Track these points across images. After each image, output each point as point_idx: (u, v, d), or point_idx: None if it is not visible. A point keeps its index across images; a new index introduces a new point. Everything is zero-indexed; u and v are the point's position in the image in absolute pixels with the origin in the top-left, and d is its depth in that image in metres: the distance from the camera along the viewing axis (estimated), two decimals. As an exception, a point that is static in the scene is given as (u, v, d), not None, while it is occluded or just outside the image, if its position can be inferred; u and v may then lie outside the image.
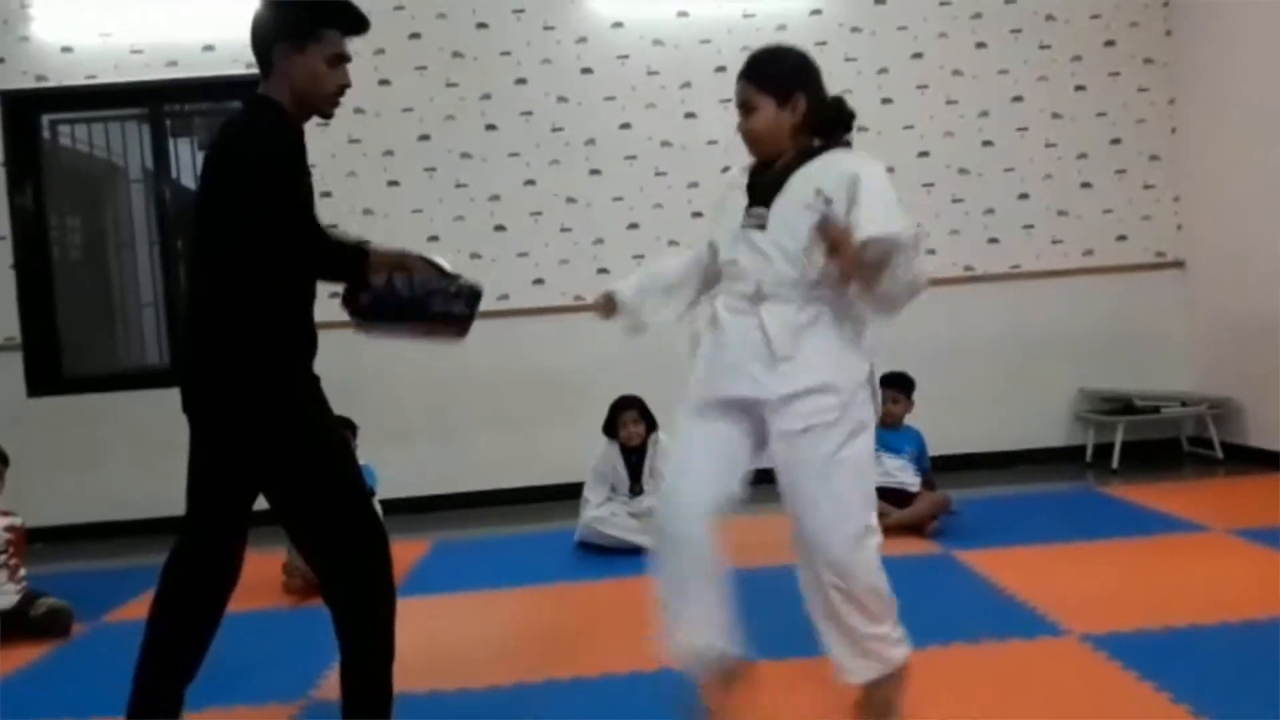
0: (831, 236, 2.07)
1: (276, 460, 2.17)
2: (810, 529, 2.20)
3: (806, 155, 2.27)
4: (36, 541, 3.74)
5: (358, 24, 2.25)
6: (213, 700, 2.69)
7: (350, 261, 2.30)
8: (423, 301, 2.26)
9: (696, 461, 2.29)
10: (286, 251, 2.14)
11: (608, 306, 2.55)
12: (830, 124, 2.31)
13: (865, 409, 2.25)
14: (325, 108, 2.24)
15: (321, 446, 2.22)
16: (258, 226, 2.09)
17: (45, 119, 5.57)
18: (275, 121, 2.17)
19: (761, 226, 2.25)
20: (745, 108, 2.27)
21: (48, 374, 5.45)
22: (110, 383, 5.31)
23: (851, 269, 2.07)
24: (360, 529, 2.22)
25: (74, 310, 5.63)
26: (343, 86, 2.23)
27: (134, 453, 5.16)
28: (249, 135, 2.16)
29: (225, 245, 2.13)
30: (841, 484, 2.19)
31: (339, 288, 2.31)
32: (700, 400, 2.32)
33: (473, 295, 2.29)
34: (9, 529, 3.51)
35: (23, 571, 3.53)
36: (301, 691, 2.66)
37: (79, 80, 5.39)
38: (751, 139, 2.30)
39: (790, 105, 2.24)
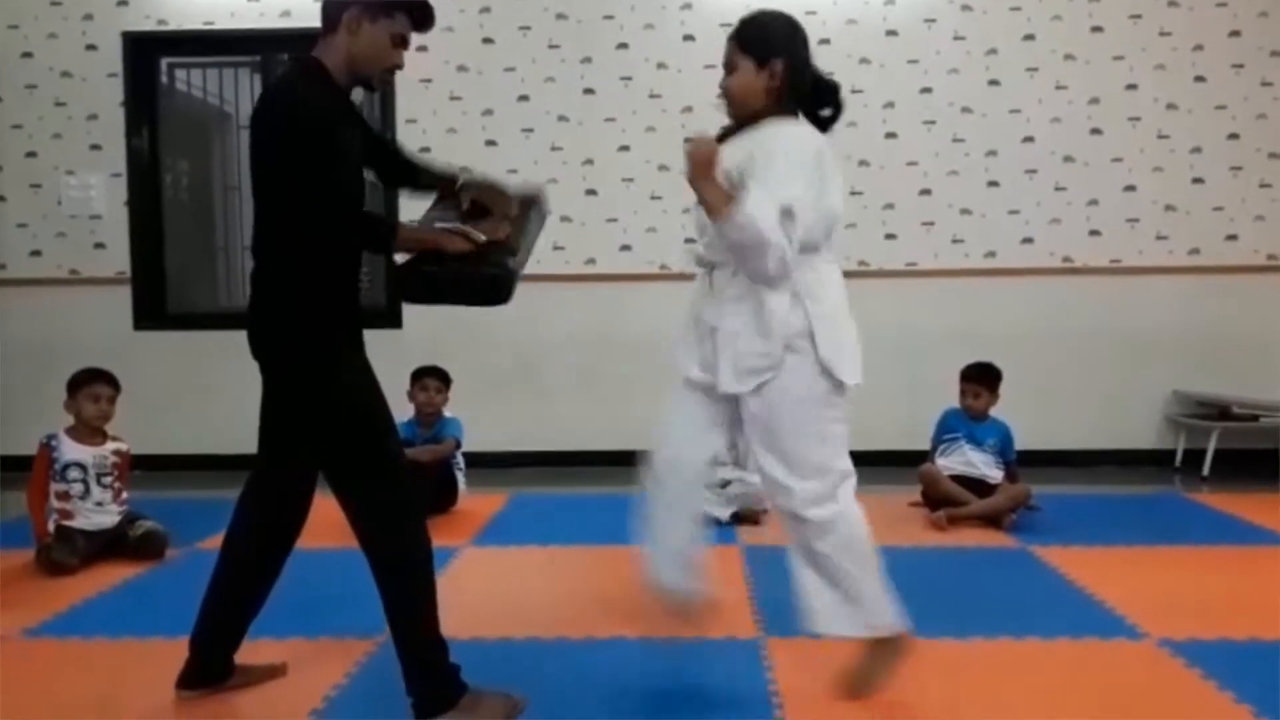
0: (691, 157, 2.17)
1: (310, 411, 2.24)
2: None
3: (743, 128, 2.35)
4: (137, 468, 3.92)
5: (425, 21, 2.33)
6: (297, 630, 2.83)
7: (429, 181, 2.43)
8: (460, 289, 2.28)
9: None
10: (327, 195, 2.18)
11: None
12: (810, 95, 2.36)
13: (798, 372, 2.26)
14: (374, 79, 2.31)
15: (355, 404, 2.25)
16: (295, 173, 2.15)
17: (164, 62, 5.76)
18: (313, 78, 2.23)
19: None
20: (727, 67, 2.35)
21: (153, 309, 5.68)
22: (211, 320, 5.51)
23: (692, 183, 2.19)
24: (385, 485, 2.25)
25: (180, 249, 5.84)
26: (396, 66, 2.31)
27: (232, 389, 5.30)
28: (289, 91, 2.23)
29: (271, 197, 2.21)
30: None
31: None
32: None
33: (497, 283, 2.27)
34: (116, 453, 3.70)
35: (125, 494, 3.72)
36: (379, 629, 2.74)
37: (197, 25, 5.57)
38: (727, 98, 2.37)
39: (768, 69, 2.30)
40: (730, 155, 2.26)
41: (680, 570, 2.46)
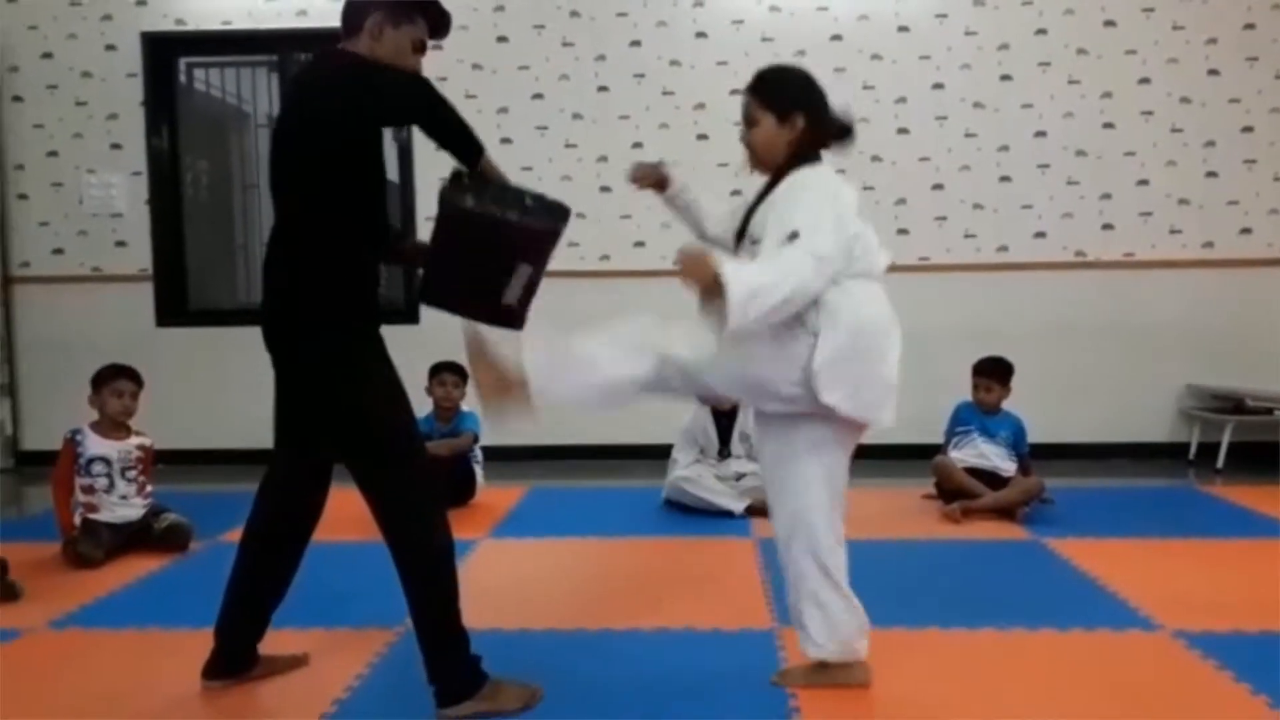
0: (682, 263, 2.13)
1: (330, 405, 2.27)
2: None
3: (774, 183, 2.36)
4: (160, 462, 3.97)
5: (442, 29, 2.36)
6: (317, 622, 2.86)
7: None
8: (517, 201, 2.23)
9: None
10: (359, 193, 2.23)
11: (654, 175, 2.63)
12: (834, 139, 2.40)
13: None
14: None
15: (374, 393, 2.27)
16: (339, 161, 2.19)
17: (182, 62, 5.82)
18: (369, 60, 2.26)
19: None
20: (747, 121, 2.37)
21: (175, 305, 5.75)
22: (231, 316, 5.56)
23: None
24: (408, 476, 2.28)
25: (200, 247, 5.91)
26: (415, 71, 2.33)
27: (252, 384, 5.38)
28: (363, 64, 2.24)
29: (301, 184, 2.24)
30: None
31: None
32: None
33: (557, 209, 2.26)
34: (140, 447, 3.75)
35: (149, 488, 3.78)
36: (400, 619, 2.78)
37: (215, 25, 5.62)
38: (750, 151, 2.39)
39: (789, 123, 2.33)
40: (759, 221, 2.33)
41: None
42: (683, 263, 2.13)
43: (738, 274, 2.10)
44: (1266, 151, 5.44)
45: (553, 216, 2.28)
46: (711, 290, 2.10)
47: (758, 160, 2.40)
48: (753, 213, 2.41)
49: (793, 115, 2.33)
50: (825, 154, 2.41)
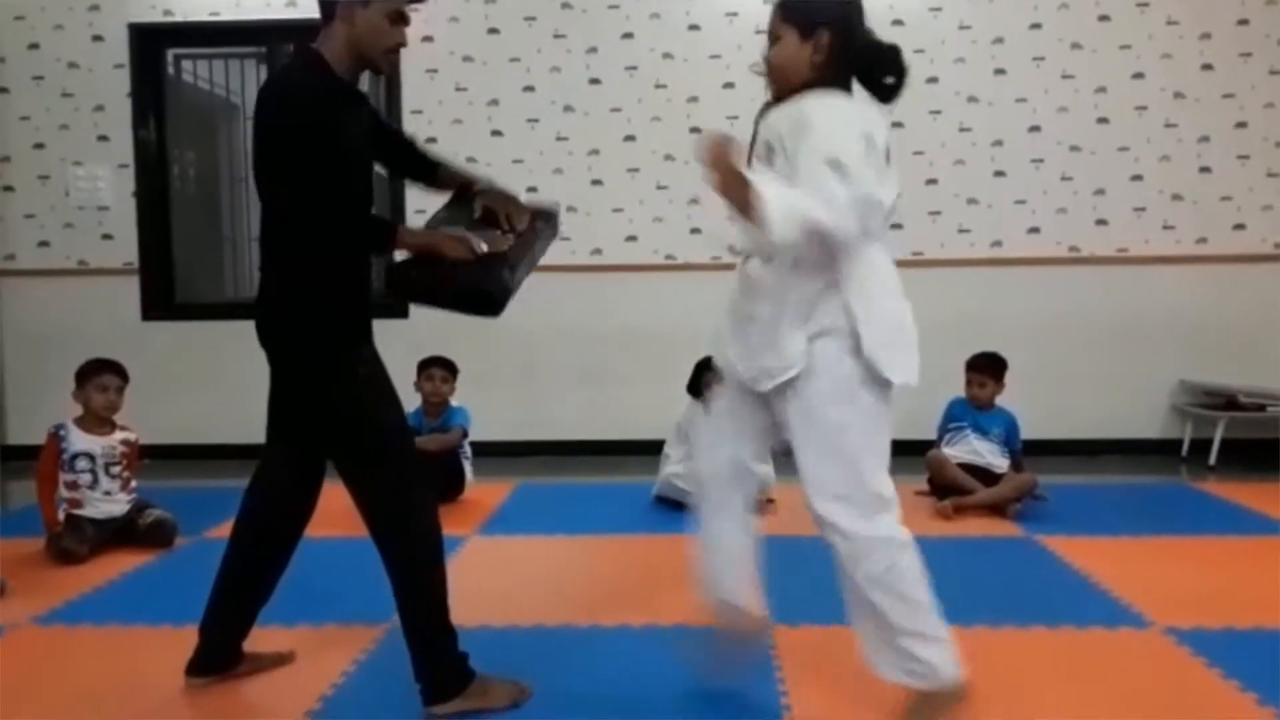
0: (710, 153, 1.90)
1: (318, 402, 2.26)
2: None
3: (785, 99, 2.11)
4: (146, 457, 3.93)
5: None
6: (305, 618, 2.84)
7: (445, 179, 2.47)
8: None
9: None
10: (323, 196, 2.16)
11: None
12: (867, 67, 2.13)
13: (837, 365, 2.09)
14: (379, 61, 2.27)
15: (363, 395, 2.26)
16: (290, 169, 2.15)
17: (170, 54, 5.77)
18: (311, 69, 2.22)
19: None
20: (770, 37, 2.14)
21: (162, 300, 5.70)
22: (219, 311, 5.53)
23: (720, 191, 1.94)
24: (397, 473, 2.26)
25: (187, 240, 5.86)
26: (398, 44, 2.27)
27: (239, 379, 5.35)
28: (284, 86, 2.23)
29: (270, 189, 2.22)
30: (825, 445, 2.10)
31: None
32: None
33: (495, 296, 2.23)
34: (124, 442, 3.72)
35: (134, 483, 3.75)
36: (387, 615, 2.76)
37: (203, 17, 5.57)
38: (769, 71, 2.15)
39: (813, 41, 2.08)
40: (770, 126, 2.09)
41: (733, 581, 2.33)
42: (712, 166, 1.90)
43: (776, 193, 1.90)
44: (1260, 147, 5.44)
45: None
46: (742, 203, 1.91)
47: (777, 84, 2.14)
48: (758, 134, 2.15)
49: (817, 32, 2.07)
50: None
